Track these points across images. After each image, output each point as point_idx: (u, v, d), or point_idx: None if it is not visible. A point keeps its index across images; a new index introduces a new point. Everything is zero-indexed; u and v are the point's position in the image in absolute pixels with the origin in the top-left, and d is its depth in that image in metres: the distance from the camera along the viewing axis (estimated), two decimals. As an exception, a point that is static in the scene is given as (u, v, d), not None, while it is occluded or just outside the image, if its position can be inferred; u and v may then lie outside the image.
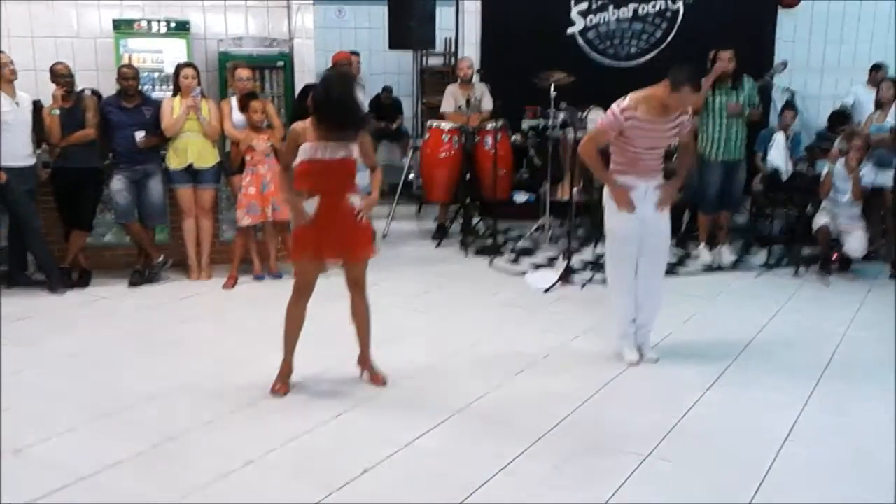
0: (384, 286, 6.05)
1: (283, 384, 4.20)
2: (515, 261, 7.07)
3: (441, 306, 5.75)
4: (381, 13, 8.61)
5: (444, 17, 8.73)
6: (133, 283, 6.23)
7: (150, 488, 3.26)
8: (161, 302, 5.86)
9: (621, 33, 9.05)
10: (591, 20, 8.98)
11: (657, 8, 8.97)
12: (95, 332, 5.17)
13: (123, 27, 8.62)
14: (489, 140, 7.68)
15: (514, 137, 8.13)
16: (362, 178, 7.26)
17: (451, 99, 7.93)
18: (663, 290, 4.82)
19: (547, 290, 6.12)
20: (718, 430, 3.83)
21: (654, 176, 4.53)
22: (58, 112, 6.05)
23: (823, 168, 6.86)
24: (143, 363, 4.62)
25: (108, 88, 6.94)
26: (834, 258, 6.70)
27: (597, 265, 6.57)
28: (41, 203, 6.21)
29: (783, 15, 9.23)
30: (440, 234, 7.92)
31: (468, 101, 7.68)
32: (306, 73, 8.66)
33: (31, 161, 6.05)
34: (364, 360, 4.37)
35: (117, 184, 6.17)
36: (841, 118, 7.62)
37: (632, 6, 8.97)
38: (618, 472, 3.39)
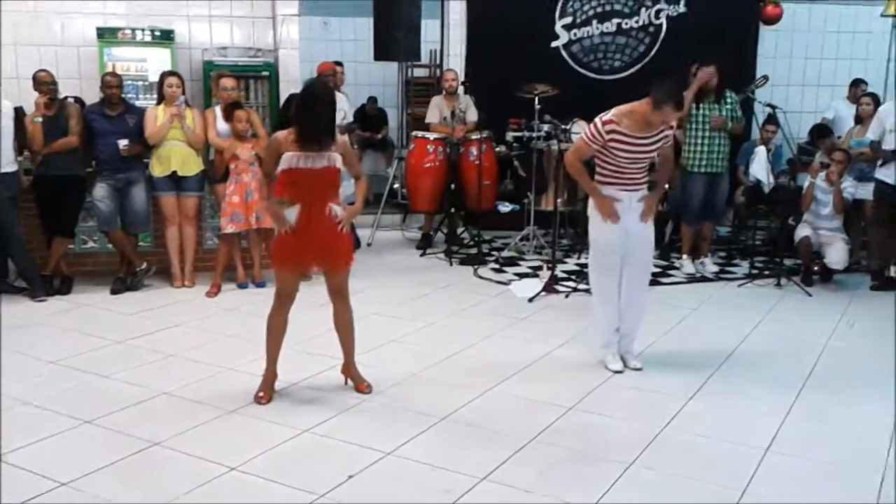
0: (369, 294, 6.08)
1: (266, 392, 4.18)
2: (500, 270, 7.09)
3: (426, 315, 5.74)
4: (367, 25, 8.63)
5: (429, 30, 8.77)
6: (115, 291, 6.19)
7: (132, 494, 3.23)
8: (144, 309, 5.82)
9: (605, 47, 9.12)
10: (574, 34, 9.05)
11: (640, 23, 9.05)
12: (77, 340, 5.12)
13: (107, 35, 8.61)
14: (474, 151, 7.73)
15: (498, 149, 8.17)
16: (347, 187, 7.31)
17: (436, 110, 7.97)
18: (647, 300, 4.85)
19: (531, 300, 6.14)
20: (701, 438, 3.84)
21: (638, 188, 4.57)
22: (40, 119, 6.03)
23: (805, 181, 6.94)
24: (125, 370, 4.59)
25: (92, 97, 6.91)
26: (816, 269, 6.77)
27: (581, 275, 6.60)
28: (23, 210, 6.17)
29: (765, 31, 9.34)
30: (425, 244, 7.94)
31: (453, 113, 7.72)
32: (291, 83, 8.67)
33: (13, 168, 6.02)
34: (348, 368, 4.36)
35: (100, 191, 6.14)
36: (822, 131, 7.71)
37: (615, 21, 9.04)
38: (601, 480, 3.40)
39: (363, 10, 8.63)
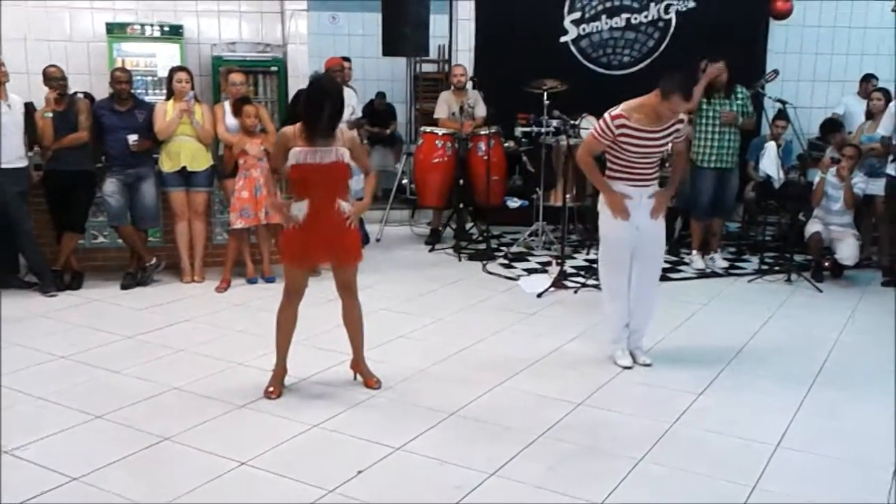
0: (378, 290, 6.08)
1: (276, 387, 4.19)
2: (509, 265, 7.09)
3: (434, 310, 5.74)
4: (375, 20, 8.63)
5: (437, 25, 8.76)
6: (125, 286, 6.21)
7: (142, 489, 3.24)
8: (153, 304, 5.84)
9: (614, 42, 9.08)
10: (583, 29, 9.02)
11: (650, 18, 9.01)
12: (87, 335, 5.14)
13: (117, 31, 8.63)
14: (482, 146, 7.72)
15: (507, 144, 8.16)
16: (358, 181, 7.33)
17: (445, 105, 7.97)
18: (657, 296, 4.84)
19: (540, 295, 6.13)
20: (711, 434, 3.83)
21: (649, 183, 4.55)
22: (50, 115, 6.05)
23: (815, 177, 6.91)
24: (136, 365, 4.60)
25: (101, 92, 6.94)
26: (826, 265, 6.74)
27: (590, 270, 6.59)
28: (33, 205, 6.20)
29: (775, 26, 9.30)
30: (433, 239, 7.94)
31: (461, 108, 7.71)
32: (299, 78, 8.66)
33: (23, 163, 6.03)
34: (357, 363, 4.36)
35: (110, 186, 6.15)
36: (832, 126, 7.66)
37: (624, 16, 9.01)
38: (611, 476, 3.39)
39: (371, 5, 8.63)
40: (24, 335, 5.11)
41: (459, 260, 7.32)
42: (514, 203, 8.54)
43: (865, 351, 5.07)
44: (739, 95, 6.85)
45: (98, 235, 6.66)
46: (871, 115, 7.23)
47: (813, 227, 6.79)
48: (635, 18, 9.01)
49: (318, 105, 3.93)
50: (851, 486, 3.38)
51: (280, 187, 6.16)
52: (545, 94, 7.47)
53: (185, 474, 3.36)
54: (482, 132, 7.76)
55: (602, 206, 4.59)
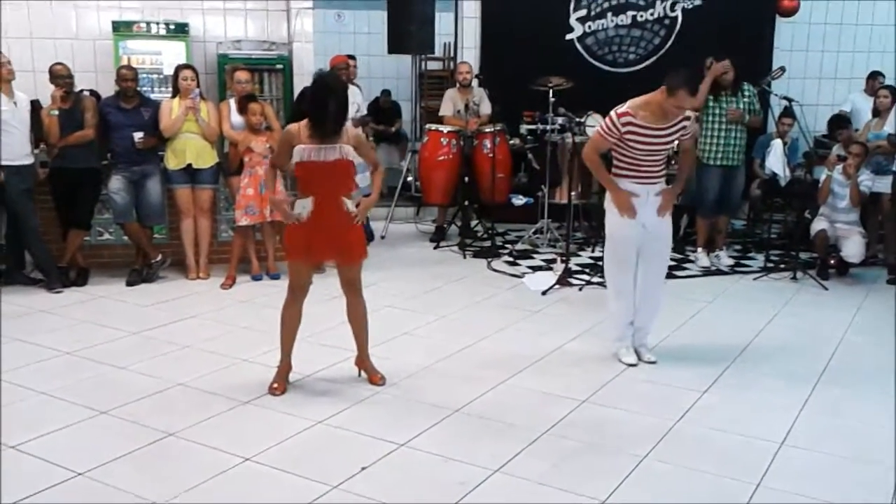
0: (382, 287, 6.09)
1: (280, 383, 4.20)
2: (513, 263, 7.09)
3: (439, 307, 5.75)
4: (381, 17, 8.64)
5: (443, 22, 8.76)
6: (131, 283, 6.23)
7: (147, 485, 3.24)
8: (159, 301, 5.86)
9: (620, 40, 9.07)
10: (589, 27, 9.01)
11: (656, 15, 9.00)
12: (93, 331, 5.16)
13: (122, 29, 8.65)
14: (487, 144, 7.72)
15: (512, 141, 8.15)
16: (363, 178, 7.34)
17: (450, 103, 7.97)
18: (662, 294, 4.83)
19: (545, 293, 6.13)
20: (715, 432, 3.82)
21: (656, 181, 4.53)
22: (56, 113, 6.07)
23: (821, 174, 6.89)
24: (141, 361, 4.62)
25: (107, 90, 6.95)
26: (832, 263, 6.73)
27: (595, 268, 6.59)
28: (39, 202, 6.21)
29: (781, 24, 9.27)
30: (438, 236, 7.95)
31: (467, 106, 7.71)
32: (305, 76, 8.66)
33: (29, 160, 6.06)
34: (362, 360, 4.37)
35: (115, 184, 6.17)
36: (840, 122, 7.60)
37: (630, 13, 9.00)
38: (614, 473, 3.39)
39: (377, 3, 8.63)
40: (30, 331, 5.13)
41: (464, 257, 7.32)
42: (519, 200, 8.55)
43: (871, 349, 5.05)
44: (746, 93, 6.84)
45: (104, 232, 6.68)
46: (878, 113, 7.20)
47: (819, 224, 6.77)
48: (641, 16, 9.00)
49: (323, 103, 3.93)
50: (856, 484, 3.37)
51: (286, 185, 6.19)
52: (551, 91, 7.46)
53: (189, 470, 3.37)
54: (487, 130, 7.76)
55: (608, 204, 4.58)
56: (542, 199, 7.70)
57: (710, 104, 6.75)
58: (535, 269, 6.88)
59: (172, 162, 6.31)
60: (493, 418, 3.93)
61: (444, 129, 7.84)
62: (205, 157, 6.35)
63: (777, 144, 7.39)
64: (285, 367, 4.24)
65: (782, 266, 6.90)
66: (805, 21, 9.46)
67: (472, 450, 3.58)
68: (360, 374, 4.37)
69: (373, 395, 4.18)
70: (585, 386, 4.32)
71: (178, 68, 6.49)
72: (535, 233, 7.79)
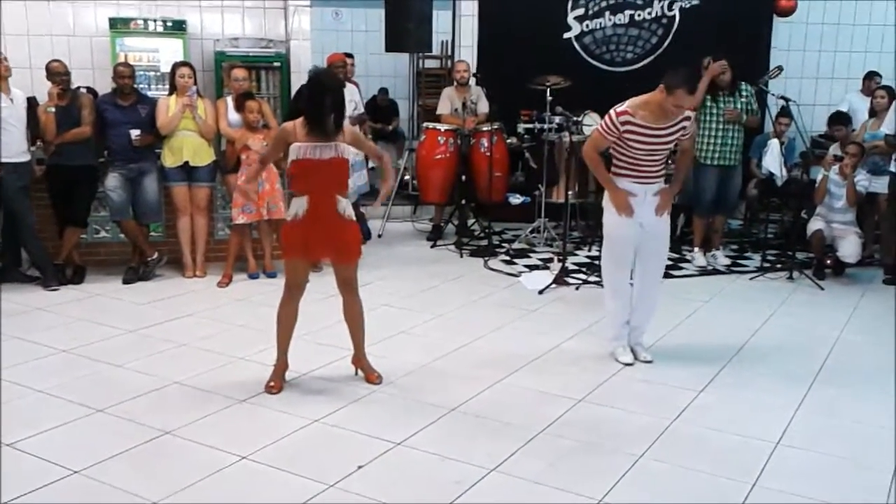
0: (379, 285, 6.09)
1: (277, 381, 4.19)
2: (510, 262, 7.09)
3: (436, 306, 5.75)
4: (378, 16, 8.63)
5: (440, 21, 8.76)
6: (127, 281, 6.22)
7: (143, 483, 3.24)
8: (155, 299, 5.85)
9: (617, 39, 9.07)
10: (587, 25, 9.01)
11: (653, 14, 9.00)
12: (89, 329, 5.15)
13: (120, 26, 8.63)
14: (485, 142, 7.72)
15: (509, 140, 8.15)
16: (360, 177, 7.34)
17: (448, 101, 7.96)
18: (660, 294, 4.84)
19: (542, 292, 6.13)
20: (712, 431, 3.83)
21: (655, 181, 4.53)
22: (53, 110, 6.05)
23: (818, 174, 6.90)
24: (137, 359, 4.61)
25: (104, 87, 6.94)
26: (828, 263, 6.74)
27: (591, 267, 6.60)
28: (35, 200, 6.20)
29: (779, 23, 9.28)
30: (435, 235, 7.95)
31: (464, 104, 7.71)
32: (302, 73, 8.63)
33: (26, 157, 6.04)
34: (358, 359, 4.37)
35: (112, 181, 6.16)
36: (840, 118, 7.56)
37: (628, 12, 9.00)
38: (611, 473, 3.39)
39: (374, 1, 8.63)
40: (26, 329, 5.12)
41: (461, 256, 7.32)
42: (516, 199, 8.55)
43: (866, 349, 5.06)
44: (744, 93, 6.84)
45: (100, 230, 6.68)
46: (875, 113, 7.21)
47: (815, 224, 6.78)
48: (639, 15, 9.01)
49: (319, 100, 3.93)
50: (851, 484, 3.38)
51: (282, 183, 6.18)
52: (548, 90, 7.46)
53: (185, 468, 3.36)
54: (485, 128, 7.76)
55: (607, 203, 4.58)
56: (539, 198, 7.70)
57: (708, 104, 6.76)
58: (531, 268, 6.89)
59: (169, 159, 6.30)
60: (489, 417, 3.93)
61: (442, 127, 7.84)
62: (202, 155, 6.34)
63: (774, 144, 7.39)
64: (282, 365, 4.24)
65: (779, 266, 6.91)
66: (802, 21, 9.47)
67: (469, 449, 3.58)
68: (356, 373, 4.37)
69: (369, 394, 4.18)
70: (582, 385, 4.33)
71: (176, 66, 6.48)
72: (531, 232, 7.79)
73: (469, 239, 7.75)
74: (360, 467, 3.39)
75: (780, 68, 7.29)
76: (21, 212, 5.98)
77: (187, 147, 6.28)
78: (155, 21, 8.68)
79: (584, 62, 8.98)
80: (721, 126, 6.77)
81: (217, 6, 9.20)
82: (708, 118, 6.79)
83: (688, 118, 4.44)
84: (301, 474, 3.33)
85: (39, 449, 3.51)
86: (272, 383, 4.18)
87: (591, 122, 7.69)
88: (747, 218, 8.35)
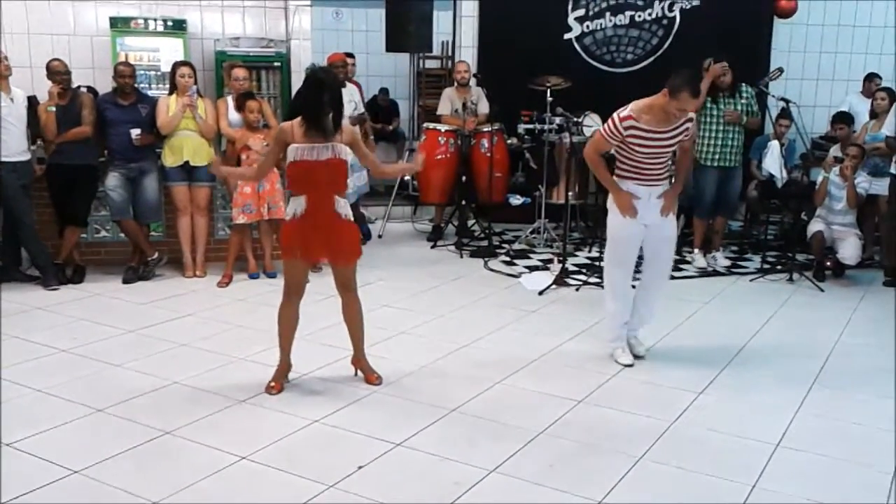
0: (379, 286, 6.09)
1: (277, 382, 4.19)
2: (510, 263, 7.08)
3: (436, 307, 5.75)
4: (379, 16, 8.64)
5: (441, 21, 8.75)
6: (127, 280, 6.22)
7: (142, 483, 3.24)
8: (155, 299, 5.85)
9: (618, 40, 9.07)
10: (587, 26, 9.01)
11: (654, 15, 9.00)
12: (89, 329, 5.15)
13: (120, 25, 8.62)
14: (485, 143, 7.72)
15: (510, 141, 8.15)
16: (360, 178, 7.33)
17: (448, 102, 7.96)
18: (663, 296, 4.86)
19: (542, 293, 6.13)
20: (712, 433, 3.83)
21: (658, 183, 4.53)
22: (54, 109, 6.05)
23: (818, 176, 6.90)
24: (137, 359, 4.61)
25: (105, 86, 6.93)
26: (828, 265, 6.74)
27: (591, 268, 6.60)
28: (36, 199, 6.21)
29: (779, 25, 9.29)
30: (436, 236, 7.94)
31: (464, 105, 7.71)
32: (303, 73, 8.63)
33: (26, 156, 6.04)
34: (358, 359, 4.36)
35: (112, 181, 6.16)
36: (843, 118, 7.53)
37: (628, 13, 9.00)
38: (611, 474, 3.39)
39: (375, 1, 8.62)
40: (26, 328, 5.12)
41: (461, 257, 7.32)
42: (516, 200, 8.55)
43: (866, 351, 5.06)
44: (744, 94, 6.84)
45: (100, 229, 6.68)
46: (876, 115, 7.21)
47: (815, 226, 6.78)
48: (639, 16, 9.01)
49: (317, 99, 3.92)
50: (851, 485, 3.38)
51: (282, 183, 6.18)
52: (548, 91, 7.47)
53: (185, 468, 3.36)
54: (485, 129, 7.75)
55: (611, 204, 4.58)
56: (540, 198, 7.70)
57: (708, 105, 6.76)
58: (531, 269, 6.88)
59: (169, 159, 6.30)
60: (489, 418, 3.93)
61: (442, 128, 7.83)
62: (202, 155, 6.34)
63: (774, 146, 7.39)
64: (283, 366, 4.24)
65: (779, 267, 6.91)
66: (803, 22, 9.47)
67: (469, 450, 3.58)
68: (356, 374, 4.37)
69: (369, 395, 4.18)
70: (582, 386, 4.33)
71: (176, 65, 6.48)
72: (532, 233, 7.79)
73: (469, 240, 7.75)
74: (359, 468, 3.39)
75: (780, 70, 7.29)
76: (21, 211, 5.98)
77: (187, 147, 6.28)
78: (155, 20, 8.68)
79: (584, 63, 8.98)
80: (721, 127, 6.77)
81: (217, 5, 9.20)
82: (708, 120, 6.79)
83: (690, 120, 4.44)
84: (301, 475, 3.33)
85: (39, 449, 3.51)
86: (273, 384, 4.18)
87: (592, 123, 7.70)
88: (747, 219, 8.35)
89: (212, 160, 5.32)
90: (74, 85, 6.41)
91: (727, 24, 8.53)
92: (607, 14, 9.00)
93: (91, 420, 3.83)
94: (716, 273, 6.90)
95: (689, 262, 7.13)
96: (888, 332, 5.36)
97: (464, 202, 7.83)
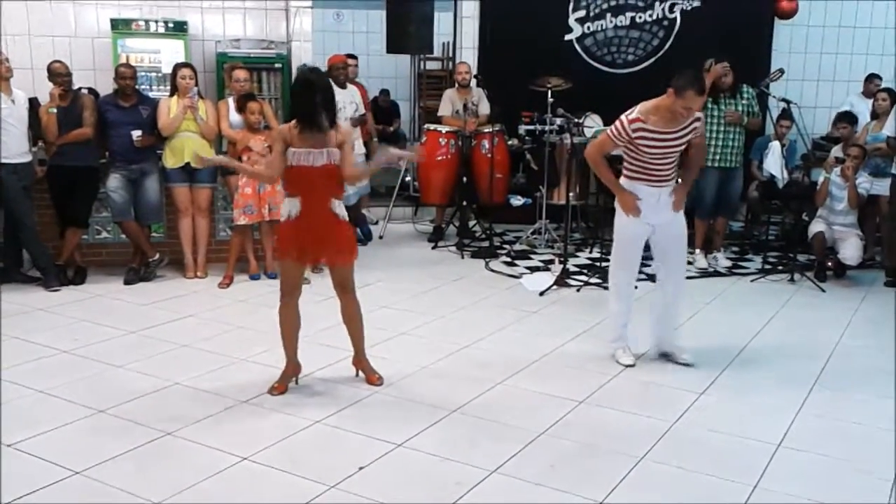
0: (380, 287, 6.09)
1: (280, 385, 4.19)
2: (511, 263, 7.08)
3: (437, 308, 5.74)
4: (380, 17, 8.63)
5: (441, 22, 8.75)
6: (128, 281, 6.23)
7: (144, 484, 3.24)
8: (156, 300, 5.85)
9: (618, 41, 9.08)
10: (588, 27, 9.02)
11: (654, 16, 9.00)
12: (91, 330, 5.15)
13: (121, 27, 8.65)
14: (486, 144, 7.72)
15: (510, 142, 8.16)
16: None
17: (449, 103, 7.96)
18: (685, 296, 4.88)
19: (542, 293, 6.13)
20: (713, 433, 3.83)
21: (667, 183, 4.52)
22: (55, 110, 6.06)
23: (819, 176, 6.90)
24: (139, 360, 4.61)
25: (106, 88, 6.94)
26: (829, 265, 6.74)
27: (592, 268, 6.60)
28: (37, 200, 6.21)
29: (780, 26, 9.29)
30: (436, 236, 7.94)
31: (465, 106, 7.71)
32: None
33: (27, 158, 6.05)
34: (359, 360, 4.36)
35: (114, 182, 6.17)
36: (846, 116, 7.51)
37: (629, 14, 9.00)
38: (612, 474, 3.39)
39: (376, 2, 8.62)
40: (27, 329, 5.12)
41: (462, 258, 7.32)
42: (517, 201, 8.55)
43: (868, 351, 5.06)
44: (745, 95, 6.85)
45: (102, 231, 6.68)
46: (877, 115, 7.21)
47: (816, 226, 6.78)
48: (640, 17, 9.01)
49: (307, 98, 3.93)
50: (853, 486, 3.37)
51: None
52: (549, 92, 7.47)
53: (186, 469, 3.36)
54: (486, 130, 7.76)
55: (618, 205, 4.57)
56: (540, 199, 7.70)
57: (709, 106, 6.76)
58: (532, 269, 6.88)
59: (171, 160, 6.31)
60: (490, 419, 3.93)
61: (443, 129, 7.84)
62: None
63: (775, 146, 7.40)
64: (289, 369, 4.24)
65: (780, 268, 6.91)
66: (804, 23, 9.48)
67: (470, 450, 3.58)
68: (357, 374, 4.37)
69: (370, 396, 4.18)
70: (583, 387, 4.33)
71: (177, 67, 6.48)
72: (532, 233, 7.80)
73: (470, 240, 7.75)
74: (361, 468, 3.39)
75: (781, 71, 7.29)
76: (22, 212, 5.98)
77: (188, 148, 6.27)
78: (156, 22, 8.69)
79: (585, 64, 8.98)
80: (722, 128, 6.77)
81: (218, 7, 9.21)
82: (709, 120, 6.78)
83: (698, 119, 4.43)
84: (302, 475, 3.33)
85: (41, 449, 3.51)
86: (276, 385, 4.18)
87: (592, 124, 7.71)
88: (748, 220, 8.35)
89: (211, 160, 5.31)
90: (75, 86, 6.42)
91: (728, 25, 8.53)
92: (608, 15, 9.00)
93: (92, 421, 3.83)
94: (717, 273, 6.90)
95: (690, 263, 7.10)
96: (889, 333, 5.36)
97: (464, 203, 7.83)
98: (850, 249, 6.57)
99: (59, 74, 6.16)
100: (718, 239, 7.20)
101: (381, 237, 8.05)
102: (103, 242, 6.70)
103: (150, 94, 7.32)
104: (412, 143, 8.90)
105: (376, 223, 8.39)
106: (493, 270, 6.88)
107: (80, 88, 6.54)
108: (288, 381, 4.23)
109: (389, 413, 3.98)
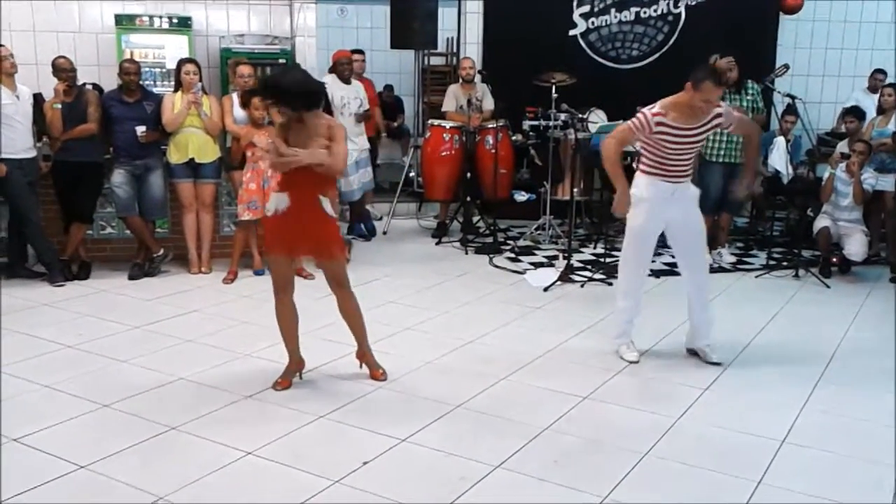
0: (384, 282, 6.08)
1: (284, 380, 4.20)
2: (515, 259, 7.08)
3: (440, 303, 5.74)
4: (384, 12, 8.63)
5: (446, 18, 8.75)
6: (133, 277, 6.24)
7: (148, 478, 3.25)
8: (161, 295, 5.86)
9: (623, 36, 9.04)
10: (592, 23, 8.99)
11: (659, 12, 8.97)
12: (95, 325, 5.17)
13: (125, 22, 8.64)
14: (490, 139, 7.71)
15: (514, 137, 8.15)
16: (365, 173, 7.34)
17: (453, 98, 7.96)
18: (709, 291, 4.87)
19: (546, 289, 6.13)
20: (717, 429, 3.82)
21: (683, 179, 4.52)
22: (59, 106, 6.07)
23: (824, 172, 6.88)
24: (143, 355, 4.62)
25: (110, 84, 6.95)
26: (834, 261, 6.72)
27: (597, 264, 6.59)
28: (41, 196, 6.23)
29: (785, 21, 9.26)
30: (440, 232, 7.94)
31: (469, 101, 7.71)
32: (308, 70, 8.65)
33: (32, 154, 6.06)
34: (363, 353, 4.36)
35: (118, 178, 6.18)
36: (856, 112, 7.48)
37: (634, 9, 8.97)
38: (615, 470, 3.39)
39: (380, -2, 8.62)
40: (32, 324, 5.14)
41: (466, 253, 7.32)
42: (521, 197, 8.53)
43: (872, 347, 5.05)
44: (750, 91, 6.83)
45: (106, 226, 6.69)
46: (882, 111, 7.19)
47: (821, 222, 6.77)
48: (644, 12, 8.98)
49: (278, 101, 3.98)
50: (857, 482, 3.37)
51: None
52: (553, 87, 7.45)
53: (191, 464, 3.37)
54: (490, 125, 7.76)
55: (634, 200, 4.54)
56: (545, 195, 7.69)
57: (714, 101, 6.74)
58: (536, 265, 6.88)
59: (175, 156, 6.31)
60: (494, 414, 3.93)
61: (447, 124, 7.84)
62: (207, 152, 6.35)
63: (780, 142, 7.38)
64: (291, 364, 4.25)
65: (784, 264, 6.89)
66: (809, 18, 9.46)
67: (473, 446, 3.58)
68: (361, 367, 4.37)
69: (374, 391, 4.19)
70: (586, 383, 4.32)
71: (181, 62, 6.48)
72: (537, 229, 7.79)
73: (474, 236, 7.74)
74: (364, 463, 3.40)
75: (786, 66, 7.27)
76: (27, 208, 6.00)
77: (193, 144, 6.29)
78: (160, 18, 8.68)
79: (589, 59, 8.94)
80: (727, 124, 6.76)
81: (222, 3, 9.20)
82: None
83: (719, 115, 4.41)
84: (306, 470, 3.33)
85: (45, 444, 3.52)
86: (280, 380, 4.19)
87: (597, 120, 7.69)
88: (753, 216, 8.33)
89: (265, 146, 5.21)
90: (80, 82, 6.42)
91: (733, 20, 8.49)
92: (612, 10, 8.97)
93: (97, 415, 3.84)
94: (721, 269, 6.89)
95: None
96: (894, 329, 5.34)
97: (468, 199, 7.83)
98: (855, 245, 6.55)
99: (63, 70, 6.17)
100: (723, 235, 7.19)
101: (384, 233, 8.05)
102: (108, 238, 6.71)
103: (155, 90, 7.32)
104: (416, 138, 8.89)
105: (380, 219, 8.38)
106: (496, 266, 6.87)
107: (84, 84, 6.54)
108: (291, 376, 4.24)
109: (393, 408, 3.99)
